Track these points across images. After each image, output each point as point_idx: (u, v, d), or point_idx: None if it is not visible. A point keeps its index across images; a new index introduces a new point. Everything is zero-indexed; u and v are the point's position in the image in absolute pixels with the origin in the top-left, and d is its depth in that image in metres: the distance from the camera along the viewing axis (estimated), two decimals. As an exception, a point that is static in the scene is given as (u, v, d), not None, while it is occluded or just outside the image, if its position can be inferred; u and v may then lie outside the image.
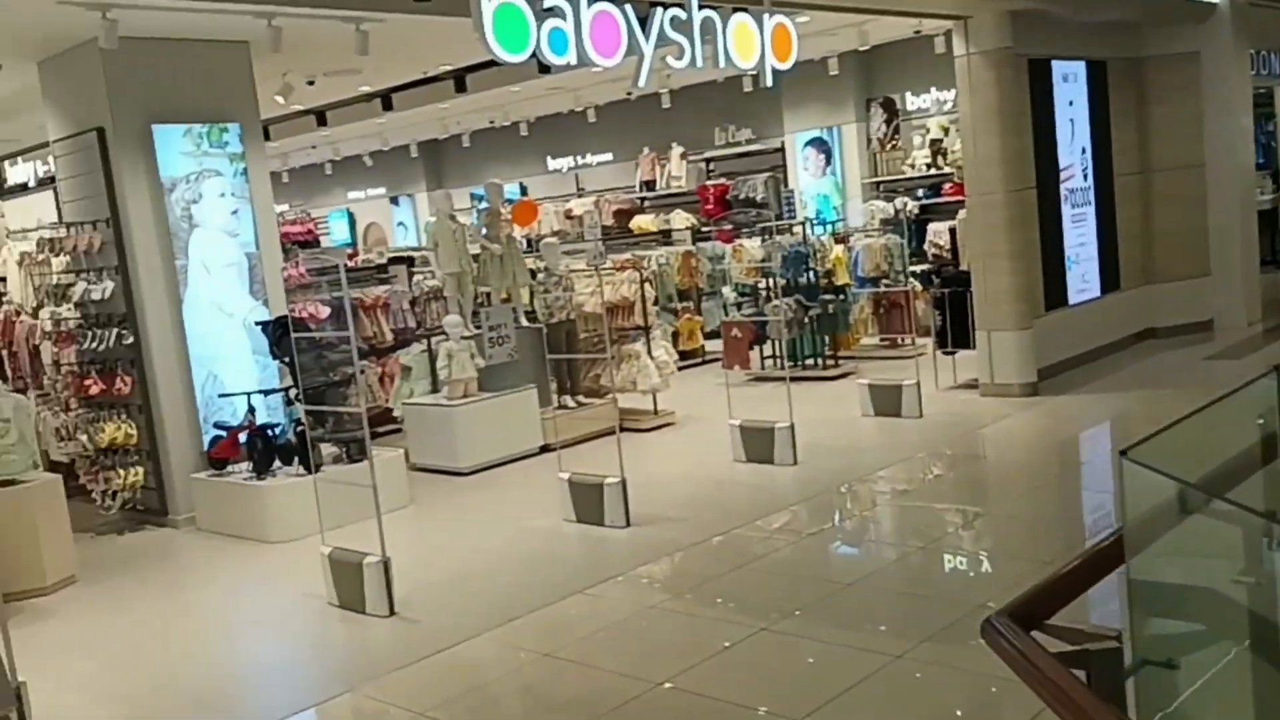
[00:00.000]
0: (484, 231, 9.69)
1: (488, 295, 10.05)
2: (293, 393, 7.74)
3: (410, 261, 11.72)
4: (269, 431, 7.85)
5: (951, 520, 6.87)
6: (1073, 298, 10.76)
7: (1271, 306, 12.26)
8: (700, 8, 6.33)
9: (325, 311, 9.37)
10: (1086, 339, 10.87)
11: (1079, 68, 10.74)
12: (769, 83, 6.84)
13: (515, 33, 5.46)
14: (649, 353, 10.23)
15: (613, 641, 5.20)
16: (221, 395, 8.05)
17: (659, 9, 6.13)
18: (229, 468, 7.99)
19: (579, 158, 19.18)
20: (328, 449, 7.96)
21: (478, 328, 9.34)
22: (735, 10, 6.66)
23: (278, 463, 7.84)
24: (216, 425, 8.06)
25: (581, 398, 9.95)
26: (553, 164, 19.52)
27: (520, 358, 9.42)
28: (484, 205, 10.15)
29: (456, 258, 9.49)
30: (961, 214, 10.86)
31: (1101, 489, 7.20)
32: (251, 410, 7.89)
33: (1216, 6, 11.39)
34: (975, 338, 10.01)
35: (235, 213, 8.34)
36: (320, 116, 14.00)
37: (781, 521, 6.88)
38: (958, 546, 6.29)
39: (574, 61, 5.73)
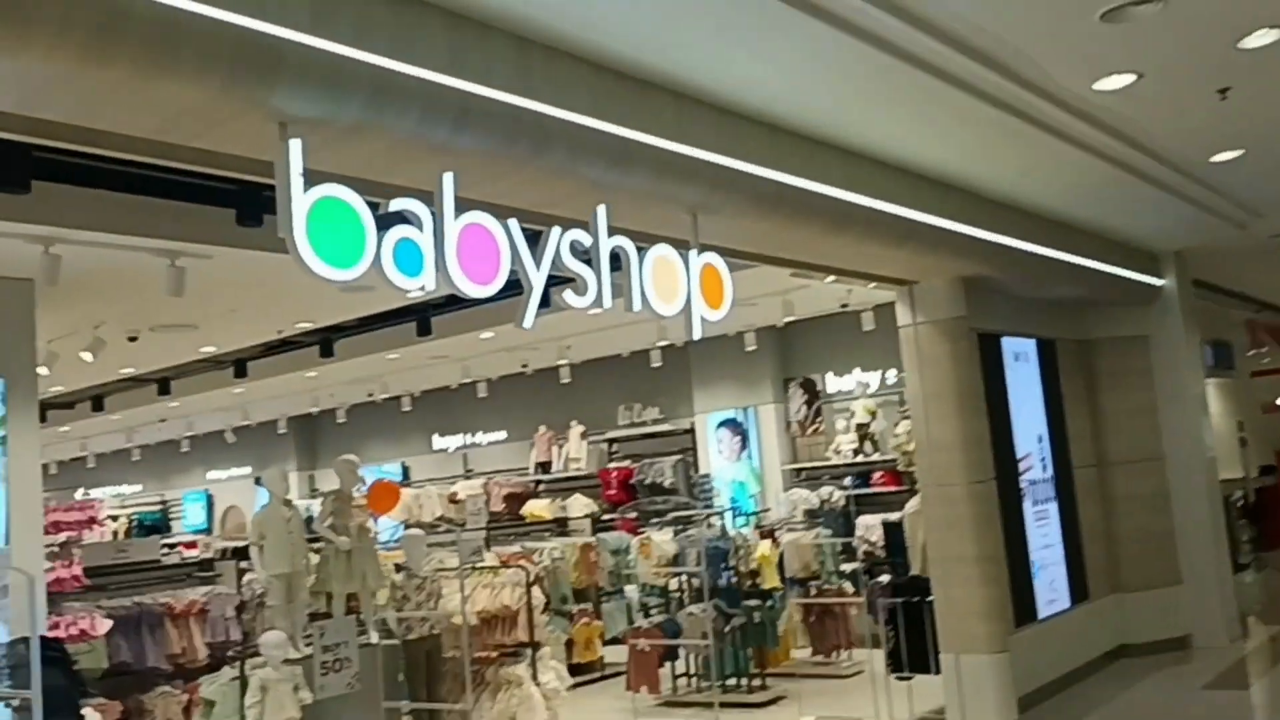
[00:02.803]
0: (327, 522, 7.63)
1: (329, 602, 7.84)
2: (8, 755, 5.37)
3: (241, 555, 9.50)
4: (-25, 810, 5.40)
5: None
6: (1042, 610, 9.03)
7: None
8: (610, 234, 4.80)
9: (105, 626, 7.08)
10: (1061, 661, 9.07)
11: (1030, 346, 9.57)
12: (696, 334, 5.24)
13: (343, 240, 3.77)
14: (534, 677, 8.07)
15: None
16: (-95, 757, 5.61)
17: (555, 229, 4.57)
18: None
19: (469, 436, 17.46)
20: (65, 833, 5.53)
21: (308, 647, 7.11)
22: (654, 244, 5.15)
23: None
24: (-100, 799, 5.57)
25: (445, 739, 7.67)
26: (439, 443, 17.76)
27: (363, 687, 7.17)
28: (334, 487, 8.13)
29: (288, 555, 7.34)
30: (911, 504, 9.25)
31: None
32: (-51, 779, 5.46)
33: (1163, 289, 10.54)
34: (938, 661, 8.14)
35: (-19, 492, 6.25)
36: (163, 384, 12.07)
37: None
38: None
39: (431, 286, 4.05)
